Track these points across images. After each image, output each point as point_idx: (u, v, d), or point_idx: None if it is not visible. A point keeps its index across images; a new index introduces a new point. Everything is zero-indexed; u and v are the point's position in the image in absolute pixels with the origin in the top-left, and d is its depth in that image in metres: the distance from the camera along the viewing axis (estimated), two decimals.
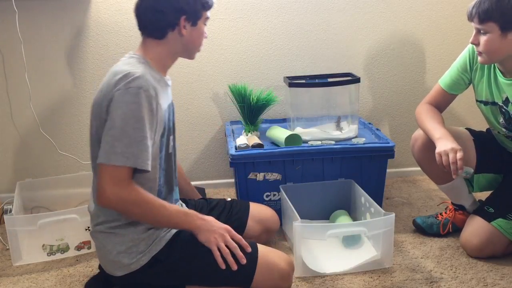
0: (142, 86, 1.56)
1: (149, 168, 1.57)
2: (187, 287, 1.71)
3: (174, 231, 1.70)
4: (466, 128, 2.20)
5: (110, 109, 1.56)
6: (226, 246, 1.66)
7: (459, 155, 1.89)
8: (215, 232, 1.67)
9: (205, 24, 1.75)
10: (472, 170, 1.96)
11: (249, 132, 2.49)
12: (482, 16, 1.83)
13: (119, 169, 1.54)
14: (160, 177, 1.71)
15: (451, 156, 1.89)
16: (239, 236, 1.70)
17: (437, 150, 1.94)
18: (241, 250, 1.67)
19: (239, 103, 2.52)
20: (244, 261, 1.66)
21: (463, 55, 2.08)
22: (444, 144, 1.94)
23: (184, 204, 1.93)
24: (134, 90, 1.54)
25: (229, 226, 1.71)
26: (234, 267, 1.64)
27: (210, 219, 1.70)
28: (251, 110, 2.50)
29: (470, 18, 1.88)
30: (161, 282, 1.69)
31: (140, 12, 1.69)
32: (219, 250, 1.65)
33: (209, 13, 1.74)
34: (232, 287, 1.69)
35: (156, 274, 1.66)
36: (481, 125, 2.26)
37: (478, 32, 1.89)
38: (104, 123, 1.59)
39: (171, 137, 1.78)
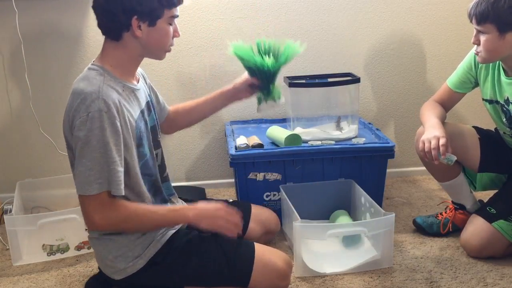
0: (102, 108, 1.50)
1: (122, 193, 1.55)
2: None
3: (170, 233, 1.69)
4: (474, 127, 2.20)
5: (74, 137, 1.54)
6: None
7: (441, 141, 1.90)
8: (214, 217, 1.65)
9: (170, 24, 1.64)
10: (455, 158, 1.93)
11: (267, 100, 1.98)
12: (479, 17, 1.84)
13: (97, 196, 1.52)
14: (145, 183, 1.70)
15: (433, 142, 1.90)
16: (232, 209, 1.68)
17: (421, 138, 1.96)
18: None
19: (249, 64, 1.96)
20: (240, 233, 1.69)
21: (470, 55, 2.09)
22: (430, 132, 1.95)
23: (184, 203, 1.93)
24: (95, 114, 1.50)
25: (220, 204, 1.68)
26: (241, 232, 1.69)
27: (201, 206, 1.67)
28: (266, 74, 1.95)
29: (469, 18, 1.90)
30: (159, 284, 1.69)
31: (95, 12, 1.62)
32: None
33: (176, 11, 1.64)
34: (230, 287, 1.69)
35: (153, 277, 1.66)
36: (485, 126, 2.24)
37: (478, 32, 1.90)
38: (70, 146, 1.59)
39: (155, 137, 1.77)
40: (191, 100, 2.05)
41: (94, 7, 1.61)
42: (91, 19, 2.54)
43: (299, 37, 2.70)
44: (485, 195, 2.31)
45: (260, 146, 2.32)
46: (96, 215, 1.53)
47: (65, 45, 2.57)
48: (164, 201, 1.82)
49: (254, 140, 2.37)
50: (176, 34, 1.68)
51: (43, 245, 2.14)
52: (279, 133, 2.39)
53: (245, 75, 1.96)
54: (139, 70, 1.81)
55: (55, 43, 2.56)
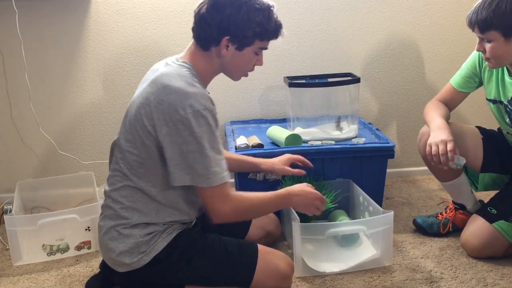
0: (207, 106, 1.58)
1: (229, 179, 1.65)
2: (186, 287, 1.71)
3: (175, 232, 1.69)
4: (477, 127, 2.19)
5: (181, 131, 1.56)
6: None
7: (449, 146, 1.89)
8: (310, 204, 1.81)
9: (257, 54, 1.70)
10: (463, 161, 1.94)
11: None
12: (482, 26, 1.81)
13: (221, 187, 1.61)
14: None
15: (440, 147, 1.90)
16: (324, 200, 1.85)
17: (428, 141, 1.95)
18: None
19: None
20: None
21: (473, 55, 2.09)
22: (436, 135, 1.94)
23: None
24: (204, 113, 1.57)
25: (319, 194, 1.83)
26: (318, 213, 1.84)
27: (304, 192, 1.80)
28: None
29: (471, 27, 1.87)
30: (161, 281, 1.69)
31: (195, 17, 1.66)
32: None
33: (267, 44, 1.70)
34: (232, 287, 1.70)
35: (156, 273, 1.67)
36: (488, 126, 2.24)
37: (481, 39, 1.87)
38: (148, 135, 1.60)
39: None
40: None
41: (195, 13, 1.67)
42: (92, 19, 2.56)
43: (299, 37, 2.70)
44: (486, 195, 2.31)
45: (260, 146, 2.32)
46: (222, 206, 1.63)
47: (65, 45, 2.57)
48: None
49: (254, 140, 2.37)
50: (258, 63, 1.74)
51: (43, 245, 2.14)
52: (279, 133, 2.39)
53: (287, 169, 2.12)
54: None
55: (55, 43, 2.56)
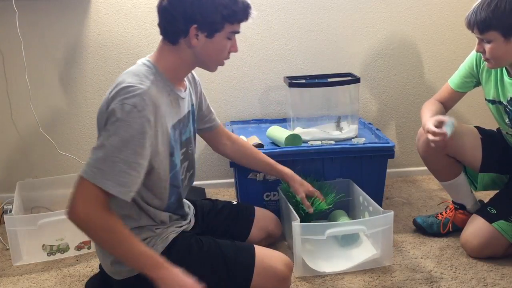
0: (137, 105, 1.45)
1: (127, 198, 1.46)
2: None
3: (171, 238, 1.67)
4: (476, 127, 2.19)
5: (107, 121, 1.48)
6: None
7: (428, 125, 1.94)
8: None
9: (229, 38, 1.61)
10: (451, 120, 1.96)
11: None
12: (481, 26, 1.81)
13: (94, 187, 1.43)
14: (172, 195, 1.67)
15: (430, 137, 1.93)
16: None
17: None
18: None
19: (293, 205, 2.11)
20: None
21: (471, 56, 2.09)
22: (424, 128, 2.00)
23: (191, 206, 1.92)
24: (128, 108, 1.45)
25: (195, 283, 1.49)
26: None
27: (177, 273, 1.49)
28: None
29: (470, 28, 1.86)
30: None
31: (159, 11, 1.60)
32: None
33: (238, 27, 1.61)
34: None
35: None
36: (487, 126, 2.24)
37: (481, 40, 1.87)
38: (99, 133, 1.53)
39: (186, 150, 1.74)
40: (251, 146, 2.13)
41: (158, 7, 1.60)
42: (91, 19, 2.56)
43: (299, 37, 2.70)
44: (486, 195, 2.31)
45: (260, 146, 2.32)
46: (81, 204, 1.44)
47: (65, 45, 2.57)
48: (183, 216, 1.78)
49: (254, 140, 2.37)
50: (233, 49, 1.66)
51: (43, 245, 2.14)
52: (279, 133, 2.39)
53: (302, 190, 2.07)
54: (196, 78, 1.81)
55: (55, 43, 2.56)
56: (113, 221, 1.46)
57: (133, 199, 1.55)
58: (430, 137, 1.93)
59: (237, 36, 1.56)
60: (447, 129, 1.92)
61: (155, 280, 1.48)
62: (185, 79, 1.74)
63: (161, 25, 1.60)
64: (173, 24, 1.56)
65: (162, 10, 1.58)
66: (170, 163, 1.62)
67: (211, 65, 1.67)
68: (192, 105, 1.79)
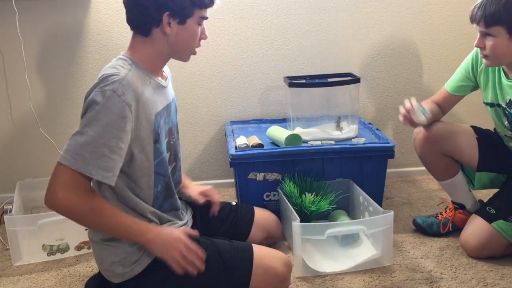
0: (117, 90, 1.47)
1: (111, 183, 1.48)
2: None
3: None
4: (472, 126, 2.19)
5: (87, 109, 1.50)
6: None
7: (402, 110, 2.03)
8: (170, 246, 1.56)
9: (199, 24, 1.63)
10: (426, 109, 2.01)
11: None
12: (489, 20, 1.79)
13: (73, 172, 1.45)
14: (158, 183, 1.66)
15: (401, 110, 2.05)
16: (195, 246, 1.58)
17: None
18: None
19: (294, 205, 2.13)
20: (202, 268, 1.58)
21: (467, 60, 2.09)
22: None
23: (189, 207, 1.92)
24: (107, 93, 1.47)
25: (183, 233, 1.59)
26: (194, 272, 1.57)
27: (163, 231, 1.57)
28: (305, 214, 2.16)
29: (475, 21, 1.84)
30: None
31: (127, 5, 1.60)
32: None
33: (206, 12, 1.64)
34: None
35: (151, 282, 1.62)
36: (486, 127, 2.23)
37: (483, 35, 1.85)
38: None
39: (168, 140, 1.72)
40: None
41: (125, 1, 1.60)
42: (91, 19, 2.56)
43: (299, 37, 2.71)
44: (485, 195, 2.31)
45: (260, 146, 2.32)
46: (62, 191, 1.45)
47: (65, 45, 2.57)
48: (175, 207, 1.77)
49: (254, 140, 2.37)
50: (203, 36, 1.67)
51: (43, 245, 2.14)
52: (279, 133, 2.39)
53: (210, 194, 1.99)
54: (168, 72, 1.80)
55: (55, 43, 2.56)
56: (97, 201, 1.52)
57: (120, 193, 1.58)
58: (401, 110, 2.02)
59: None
60: (419, 111, 1.97)
61: (145, 245, 1.55)
62: (165, 73, 1.75)
63: (131, 18, 1.61)
64: (145, 14, 1.56)
65: (131, 3, 1.59)
66: (154, 150, 1.62)
67: (184, 54, 1.68)
68: (173, 97, 1.80)
